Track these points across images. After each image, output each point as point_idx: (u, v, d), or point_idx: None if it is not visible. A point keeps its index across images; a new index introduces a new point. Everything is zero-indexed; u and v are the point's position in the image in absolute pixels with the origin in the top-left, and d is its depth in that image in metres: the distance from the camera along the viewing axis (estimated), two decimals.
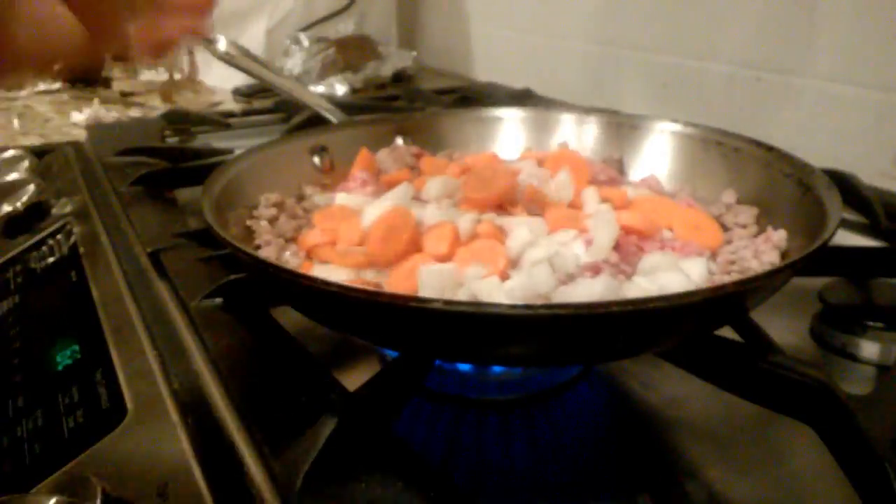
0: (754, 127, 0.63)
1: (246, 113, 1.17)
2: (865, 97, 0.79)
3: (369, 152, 0.66)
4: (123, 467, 0.37)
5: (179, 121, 1.09)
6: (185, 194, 0.78)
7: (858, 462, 0.36)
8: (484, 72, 1.49)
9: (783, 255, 0.48)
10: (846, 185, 0.67)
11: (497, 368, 0.48)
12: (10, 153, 0.87)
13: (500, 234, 0.49)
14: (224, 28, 1.14)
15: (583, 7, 1.18)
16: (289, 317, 0.50)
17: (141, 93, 1.39)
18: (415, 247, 0.49)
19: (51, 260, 0.65)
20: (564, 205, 0.55)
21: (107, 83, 1.42)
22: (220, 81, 1.38)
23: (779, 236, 0.48)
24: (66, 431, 0.42)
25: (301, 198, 0.62)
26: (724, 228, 0.54)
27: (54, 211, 0.75)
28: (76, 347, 0.50)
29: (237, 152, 0.61)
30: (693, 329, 0.40)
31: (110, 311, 0.53)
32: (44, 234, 0.69)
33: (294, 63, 1.35)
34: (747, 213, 0.54)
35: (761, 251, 0.46)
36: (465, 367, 0.48)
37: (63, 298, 0.58)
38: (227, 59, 0.71)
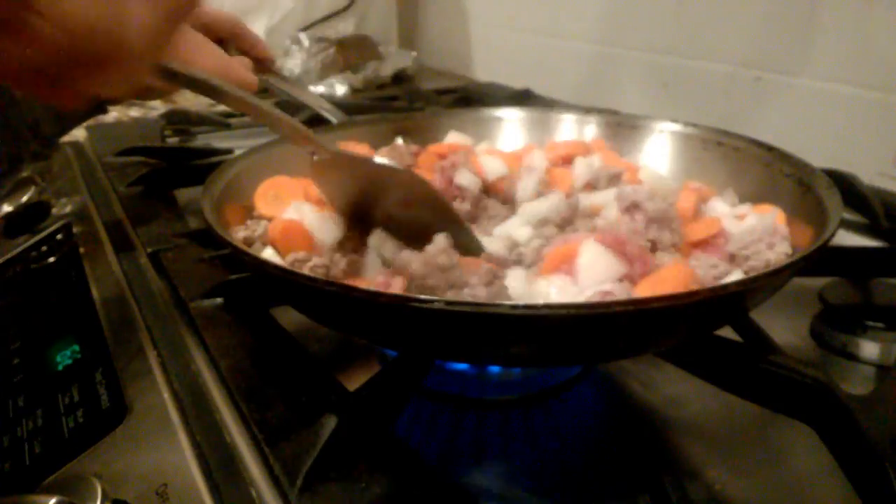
0: (754, 127, 0.63)
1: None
2: (865, 97, 0.79)
3: (369, 152, 0.66)
4: (123, 467, 0.38)
5: (179, 121, 1.09)
6: (185, 194, 0.78)
7: (858, 462, 0.36)
8: (484, 72, 1.49)
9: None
10: (846, 185, 0.67)
11: (497, 368, 0.48)
12: None
13: None
14: None
15: (583, 7, 1.18)
16: (289, 317, 0.50)
17: None
18: None
19: (51, 260, 0.65)
20: None
21: None
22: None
23: (785, 227, 0.48)
24: (66, 431, 0.42)
25: None
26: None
27: (54, 211, 0.75)
28: (76, 347, 0.50)
29: (237, 152, 0.61)
30: (693, 329, 0.40)
31: (110, 311, 0.53)
32: (44, 234, 0.69)
33: (294, 63, 1.35)
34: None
35: (773, 242, 0.46)
36: (464, 366, 0.48)
37: (63, 298, 0.58)
38: None
